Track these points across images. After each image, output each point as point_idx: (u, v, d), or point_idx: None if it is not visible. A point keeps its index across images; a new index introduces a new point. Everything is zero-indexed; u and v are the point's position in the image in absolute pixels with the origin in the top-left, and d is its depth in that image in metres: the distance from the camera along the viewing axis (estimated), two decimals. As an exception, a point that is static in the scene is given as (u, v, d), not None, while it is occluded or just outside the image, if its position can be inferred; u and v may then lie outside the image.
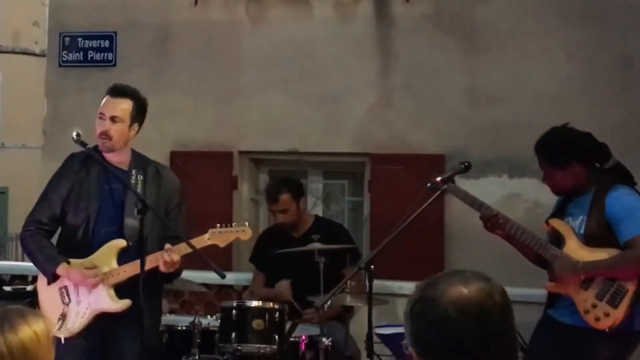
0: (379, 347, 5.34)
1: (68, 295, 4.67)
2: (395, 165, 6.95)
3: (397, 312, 6.03)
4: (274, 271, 6.02)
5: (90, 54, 7.74)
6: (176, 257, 4.52)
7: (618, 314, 4.44)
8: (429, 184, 4.82)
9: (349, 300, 5.25)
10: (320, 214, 7.26)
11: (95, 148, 4.75)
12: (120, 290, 4.64)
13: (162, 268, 4.52)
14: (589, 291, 4.52)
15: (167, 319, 5.58)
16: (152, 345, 4.66)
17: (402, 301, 6.34)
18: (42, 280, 4.79)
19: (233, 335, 4.98)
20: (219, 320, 5.15)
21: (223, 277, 4.68)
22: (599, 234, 4.57)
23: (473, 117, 6.78)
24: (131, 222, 4.64)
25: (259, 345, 4.99)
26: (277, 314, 5.07)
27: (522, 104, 6.62)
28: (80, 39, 7.76)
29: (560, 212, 4.81)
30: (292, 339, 5.11)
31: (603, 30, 6.57)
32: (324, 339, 5.13)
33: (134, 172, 4.72)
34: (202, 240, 4.60)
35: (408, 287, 5.69)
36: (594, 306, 4.50)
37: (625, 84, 6.53)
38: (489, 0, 6.83)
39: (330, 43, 7.20)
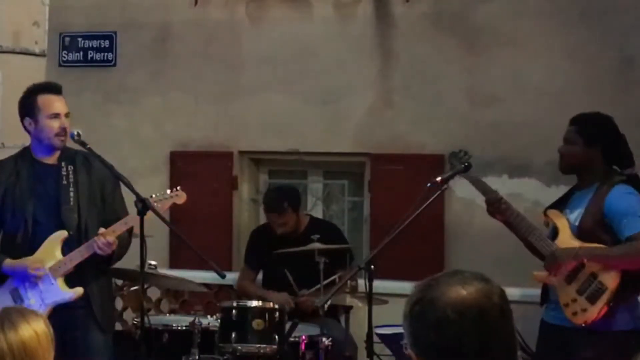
0: (379, 347, 5.33)
1: (20, 296, 4.71)
2: (395, 165, 6.94)
3: (397, 312, 6.01)
4: (270, 270, 6.02)
5: (90, 54, 7.73)
6: (111, 239, 4.58)
7: (594, 310, 4.45)
8: (429, 184, 4.84)
9: (349, 300, 5.26)
10: (320, 214, 7.26)
11: (23, 151, 4.84)
12: (70, 279, 4.69)
13: (99, 252, 4.60)
14: (572, 285, 4.55)
15: (167, 319, 5.60)
16: (109, 329, 4.74)
17: (402, 301, 6.33)
18: None
19: (233, 335, 4.99)
20: (219, 320, 5.15)
21: (223, 277, 4.70)
22: (593, 229, 4.57)
23: (473, 117, 6.78)
24: (69, 214, 4.73)
25: (259, 345, 4.99)
26: (277, 314, 5.08)
27: (522, 103, 6.62)
28: (80, 39, 7.75)
29: (561, 203, 4.81)
30: (292, 339, 5.11)
31: (603, 30, 6.56)
32: (324, 339, 5.14)
33: (63, 164, 4.79)
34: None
35: (408, 287, 5.69)
36: (574, 300, 4.53)
37: (625, 84, 6.53)
38: (489, 0, 6.82)
39: (330, 43, 7.20)
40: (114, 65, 7.68)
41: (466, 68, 6.86)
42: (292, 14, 7.28)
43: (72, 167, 4.79)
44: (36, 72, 9.29)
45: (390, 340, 5.50)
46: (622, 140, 4.76)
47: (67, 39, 7.79)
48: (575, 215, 4.67)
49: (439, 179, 4.82)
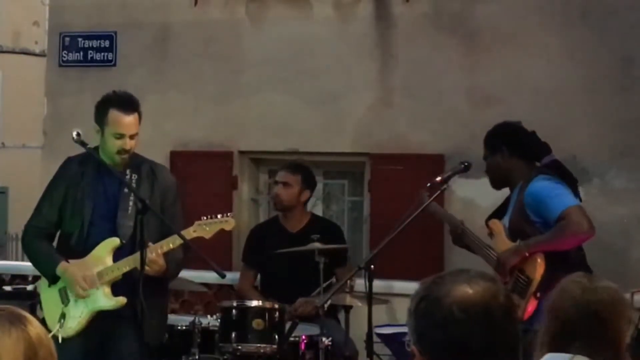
0: (379, 347, 5.34)
1: (67, 295, 4.70)
2: (395, 165, 6.94)
3: (397, 312, 6.02)
4: (269, 269, 6.01)
5: (90, 54, 7.73)
6: (152, 255, 4.54)
7: (524, 305, 4.53)
8: (428, 184, 4.86)
9: (348, 300, 5.27)
10: (320, 214, 7.26)
11: (91, 150, 4.80)
12: (117, 288, 4.67)
13: (146, 268, 4.54)
14: (507, 286, 4.61)
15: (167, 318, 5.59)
16: (153, 344, 4.70)
17: (402, 301, 6.33)
18: (43, 281, 4.83)
19: (233, 335, 4.99)
20: (219, 320, 5.15)
21: (223, 277, 4.70)
22: (520, 225, 4.71)
23: (473, 117, 6.77)
24: (125, 221, 4.70)
25: (259, 345, 4.99)
26: (277, 313, 5.08)
27: (522, 103, 6.62)
28: (80, 39, 7.75)
29: (501, 210, 4.96)
30: (292, 339, 5.11)
31: (603, 30, 6.56)
32: (323, 339, 5.14)
33: (128, 171, 4.78)
34: (188, 234, 4.65)
35: (408, 287, 5.70)
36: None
37: (625, 84, 6.53)
38: (489, 0, 6.83)
39: (330, 43, 7.20)
40: (114, 65, 7.68)
41: (466, 68, 6.86)
42: (292, 14, 7.28)
43: (136, 176, 4.78)
44: (36, 72, 9.30)
45: (390, 340, 5.51)
46: (527, 135, 4.92)
47: (67, 39, 7.79)
48: (507, 217, 4.83)
49: (438, 179, 4.85)
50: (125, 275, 4.65)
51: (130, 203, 4.72)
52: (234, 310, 5.06)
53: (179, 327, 5.25)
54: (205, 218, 4.69)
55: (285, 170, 6.08)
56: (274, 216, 6.35)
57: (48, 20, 8.54)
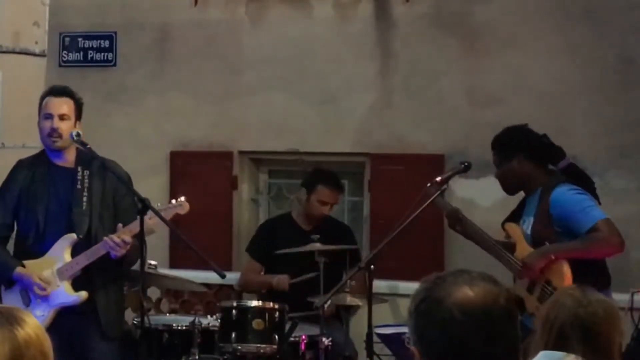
0: (378, 347, 5.34)
1: (28, 296, 4.73)
2: (395, 165, 6.94)
3: (397, 312, 6.02)
4: (273, 267, 6.03)
5: (90, 54, 7.73)
6: (127, 238, 4.59)
7: None
8: (428, 185, 4.86)
9: (349, 299, 5.27)
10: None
11: (41, 153, 4.85)
12: (78, 284, 4.70)
13: (112, 251, 4.60)
14: (533, 295, 4.60)
15: (167, 318, 5.60)
16: (114, 336, 4.73)
17: (402, 301, 6.34)
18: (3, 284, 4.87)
19: (233, 335, 4.99)
20: (219, 320, 5.15)
21: (223, 277, 4.71)
22: (544, 234, 4.68)
23: (473, 117, 6.77)
24: (80, 217, 4.73)
25: (259, 345, 4.99)
26: (277, 313, 5.08)
27: (522, 104, 6.62)
28: (80, 39, 7.75)
29: (517, 214, 4.90)
30: (292, 339, 5.11)
31: (603, 30, 6.56)
32: (323, 339, 5.14)
33: (79, 168, 4.81)
34: (144, 222, 4.64)
35: (408, 287, 5.69)
36: (537, 309, 4.57)
37: (625, 84, 6.52)
38: (489, 0, 6.82)
39: (330, 43, 7.19)
40: (114, 65, 7.68)
41: (466, 68, 6.86)
42: (292, 14, 7.27)
43: (87, 172, 4.82)
44: (36, 72, 9.28)
45: (390, 340, 5.50)
46: (541, 139, 4.88)
47: (67, 39, 7.79)
48: (527, 224, 4.79)
49: (438, 179, 4.85)
50: (84, 270, 4.68)
51: (84, 199, 4.76)
52: (234, 310, 5.06)
53: (179, 327, 5.25)
54: (158, 205, 4.69)
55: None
56: (286, 212, 6.37)
57: (48, 20, 8.53)
